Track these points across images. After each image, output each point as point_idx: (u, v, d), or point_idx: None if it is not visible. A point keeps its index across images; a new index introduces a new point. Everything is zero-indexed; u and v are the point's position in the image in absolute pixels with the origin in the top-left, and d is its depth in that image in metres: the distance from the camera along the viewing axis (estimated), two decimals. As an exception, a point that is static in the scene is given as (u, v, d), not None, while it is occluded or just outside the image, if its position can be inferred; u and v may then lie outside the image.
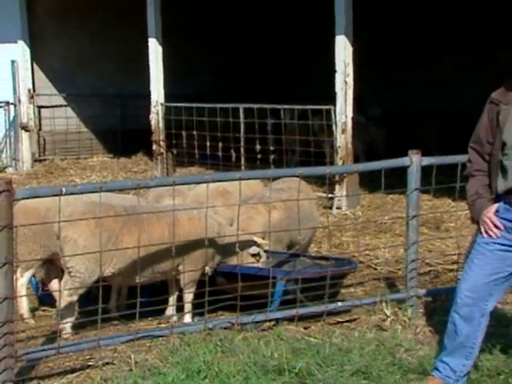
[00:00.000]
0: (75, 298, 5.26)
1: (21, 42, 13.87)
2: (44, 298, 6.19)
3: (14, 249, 4.51)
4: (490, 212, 4.13)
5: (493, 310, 4.29)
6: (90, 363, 4.79)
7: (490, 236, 4.14)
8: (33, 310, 5.98)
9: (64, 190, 4.56)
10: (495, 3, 13.80)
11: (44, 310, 6.11)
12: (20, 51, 13.87)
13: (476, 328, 4.24)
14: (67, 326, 5.41)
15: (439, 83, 14.98)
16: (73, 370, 4.72)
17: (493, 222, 4.12)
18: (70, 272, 5.21)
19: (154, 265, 5.34)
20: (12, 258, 4.39)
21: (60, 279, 5.48)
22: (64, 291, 5.21)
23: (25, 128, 14.00)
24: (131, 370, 4.63)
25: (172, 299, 5.69)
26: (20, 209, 5.73)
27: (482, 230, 4.18)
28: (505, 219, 4.10)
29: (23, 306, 5.80)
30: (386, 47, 15.77)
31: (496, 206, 4.15)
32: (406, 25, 15.54)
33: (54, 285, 5.81)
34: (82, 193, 4.94)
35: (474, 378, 4.40)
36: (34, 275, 6.04)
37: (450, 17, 14.85)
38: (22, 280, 5.85)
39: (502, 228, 4.10)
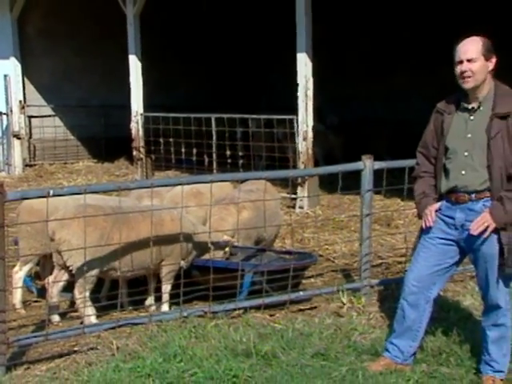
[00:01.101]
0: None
1: (12, 59, 13.70)
2: (38, 291, 6.12)
3: (7, 246, 4.46)
4: (432, 208, 4.18)
5: (436, 298, 4.34)
6: (75, 349, 4.75)
7: (426, 226, 4.17)
8: (24, 302, 5.90)
9: (51, 192, 4.52)
10: (436, 27, 14.02)
11: (36, 301, 6.02)
12: (12, 66, 13.69)
13: (421, 313, 4.29)
14: (55, 316, 5.37)
15: (389, 96, 15.13)
16: (60, 355, 4.67)
17: (431, 214, 4.16)
18: (71, 270, 5.14)
19: (142, 259, 5.29)
20: (4, 254, 4.33)
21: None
22: (76, 292, 5.16)
23: (16, 136, 13.82)
24: (113, 354, 4.60)
25: (151, 291, 5.65)
26: (25, 209, 5.68)
27: (423, 223, 4.22)
28: (447, 216, 4.15)
29: (17, 296, 5.72)
30: (342, 64, 15.89)
31: (439, 204, 4.19)
32: (360, 45, 15.69)
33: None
34: (68, 194, 4.91)
35: (419, 358, 4.44)
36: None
37: (398, 38, 15.02)
38: (21, 273, 5.77)
39: (436, 220, 4.14)
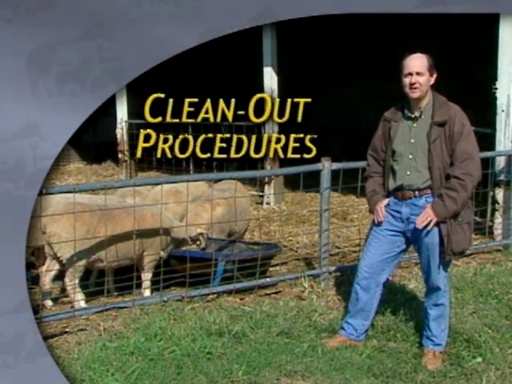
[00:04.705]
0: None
1: None
2: (33, 279, 6.03)
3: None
4: (382, 204, 4.22)
5: (385, 282, 4.39)
6: (67, 330, 4.71)
7: (378, 221, 4.23)
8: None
9: (44, 190, 4.47)
10: (383, 45, 14.15)
11: (31, 288, 5.92)
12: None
13: (373, 296, 4.34)
14: (48, 301, 5.31)
15: (345, 106, 15.23)
16: (53, 336, 4.63)
17: (381, 211, 4.21)
18: (61, 261, 5.09)
19: (125, 251, 5.26)
20: None
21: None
22: (66, 280, 5.12)
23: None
24: (100, 335, 4.57)
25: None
26: None
27: (374, 218, 4.27)
28: (394, 210, 4.20)
29: None
30: (303, 78, 15.94)
31: (387, 200, 4.24)
32: (320, 62, 15.76)
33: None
34: (59, 193, 4.87)
35: (370, 334, 4.49)
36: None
37: (351, 56, 15.14)
38: None
39: (386, 215, 4.18)
